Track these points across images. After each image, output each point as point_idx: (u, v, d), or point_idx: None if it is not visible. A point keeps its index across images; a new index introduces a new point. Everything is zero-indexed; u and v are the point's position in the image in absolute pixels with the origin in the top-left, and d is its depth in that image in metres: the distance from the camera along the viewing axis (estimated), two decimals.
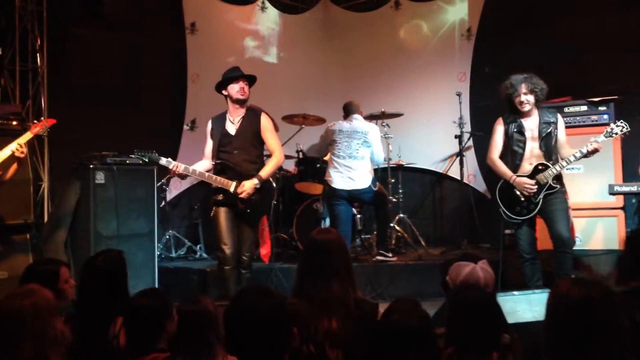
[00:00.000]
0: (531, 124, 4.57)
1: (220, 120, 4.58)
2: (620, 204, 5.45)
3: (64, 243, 5.35)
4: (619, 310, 1.66)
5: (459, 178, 6.73)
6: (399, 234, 6.41)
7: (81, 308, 2.71)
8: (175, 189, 7.07)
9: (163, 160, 4.34)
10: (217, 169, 4.43)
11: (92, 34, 6.49)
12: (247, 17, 7.70)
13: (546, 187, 4.44)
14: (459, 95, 6.67)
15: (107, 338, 2.51)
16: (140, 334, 2.31)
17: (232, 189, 4.32)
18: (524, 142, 4.55)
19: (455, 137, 6.68)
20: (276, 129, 6.33)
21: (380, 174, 6.69)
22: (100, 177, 5.36)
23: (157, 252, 5.78)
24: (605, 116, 5.60)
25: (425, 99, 7.52)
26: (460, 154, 6.64)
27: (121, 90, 6.57)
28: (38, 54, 6.10)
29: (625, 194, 5.18)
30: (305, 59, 7.99)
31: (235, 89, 4.47)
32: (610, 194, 5.13)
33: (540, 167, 4.48)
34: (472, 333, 1.96)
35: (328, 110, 6.93)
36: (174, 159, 6.76)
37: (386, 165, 6.57)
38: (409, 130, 7.28)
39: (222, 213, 4.42)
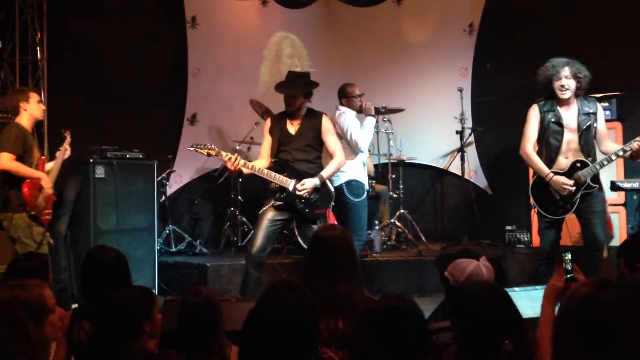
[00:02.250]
0: (569, 115, 4.23)
1: (280, 118, 4.52)
2: (622, 200, 5.44)
3: (64, 237, 5.34)
4: (632, 311, 1.60)
5: (459, 174, 6.71)
6: (400, 229, 6.40)
7: (88, 305, 2.67)
8: (175, 183, 7.05)
9: (222, 154, 4.27)
10: (276, 168, 4.36)
11: (92, 27, 6.46)
12: (248, 11, 7.66)
13: (584, 186, 4.16)
14: (460, 90, 6.64)
15: None
16: (115, 331, 2.23)
17: (290, 187, 4.28)
18: (562, 134, 4.21)
19: (457, 132, 6.66)
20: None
21: (381, 169, 6.68)
22: (100, 171, 5.36)
23: (157, 247, 5.78)
24: (608, 112, 5.56)
25: (427, 94, 7.49)
26: (461, 150, 6.62)
27: (121, 84, 6.54)
28: (38, 47, 6.10)
29: (627, 190, 5.16)
30: (306, 54, 7.97)
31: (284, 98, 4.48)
32: (612, 190, 5.11)
33: (578, 165, 4.18)
34: (481, 330, 1.90)
35: (329, 105, 6.91)
36: (174, 154, 6.88)
37: (387, 161, 6.55)
38: (410, 126, 7.25)
39: (270, 214, 4.34)
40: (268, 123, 4.56)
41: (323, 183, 4.40)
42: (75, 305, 4.91)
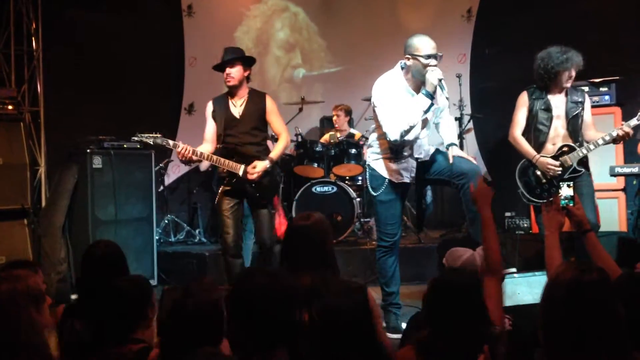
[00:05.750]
0: (558, 102, 4.31)
1: (221, 102, 4.41)
2: (621, 185, 5.43)
3: (62, 228, 5.33)
4: (613, 294, 1.66)
5: None
6: None
7: (82, 298, 2.65)
8: (173, 173, 7.04)
9: (170, 143, 4.16)
10: (223, 153, 4.29)
11: (87, 16, 6.41)
12: None
13: (570, 170, 4.22)
14: (458, 77, 6.59)
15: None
16: (120, 322, 2.18)
17: (240, 172, 4.21)
18: (550, 121, 4.29)
19: (455, 119, 6.61)
20: None
21: None
22: (97, 162, 5.34)
23: (155, 237, 5.77)
24: (607, 97, 5.55)
25: None
26: (460, 137, 6.57)
27: (118, 74, 6.50)
28: (33, 38, 6.05)
29: (626, 175, 5.15)
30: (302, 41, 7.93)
31: (224, 76, 4.33)
32: (611, 175, 5.10)
33: (565, 149, 4.25)
34: (455, 322, 1.84)
35: (325, 92, 6.89)
36: None
37: None
38: None
39: (226, 201, 4.28)
40: (210, 107, 4.43)
41: (272, 166, 4.32)
42: (74, 296, 4.94)
